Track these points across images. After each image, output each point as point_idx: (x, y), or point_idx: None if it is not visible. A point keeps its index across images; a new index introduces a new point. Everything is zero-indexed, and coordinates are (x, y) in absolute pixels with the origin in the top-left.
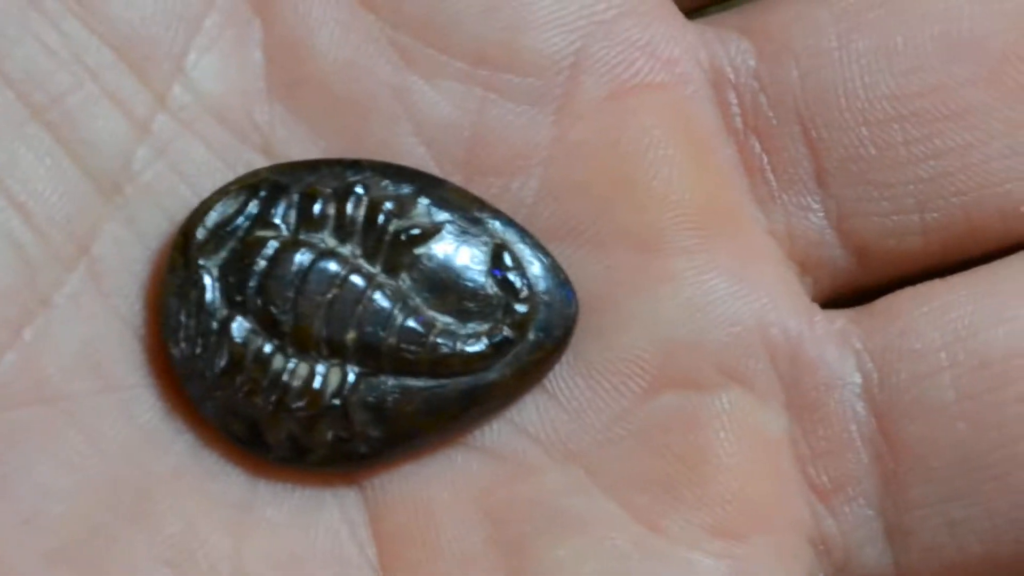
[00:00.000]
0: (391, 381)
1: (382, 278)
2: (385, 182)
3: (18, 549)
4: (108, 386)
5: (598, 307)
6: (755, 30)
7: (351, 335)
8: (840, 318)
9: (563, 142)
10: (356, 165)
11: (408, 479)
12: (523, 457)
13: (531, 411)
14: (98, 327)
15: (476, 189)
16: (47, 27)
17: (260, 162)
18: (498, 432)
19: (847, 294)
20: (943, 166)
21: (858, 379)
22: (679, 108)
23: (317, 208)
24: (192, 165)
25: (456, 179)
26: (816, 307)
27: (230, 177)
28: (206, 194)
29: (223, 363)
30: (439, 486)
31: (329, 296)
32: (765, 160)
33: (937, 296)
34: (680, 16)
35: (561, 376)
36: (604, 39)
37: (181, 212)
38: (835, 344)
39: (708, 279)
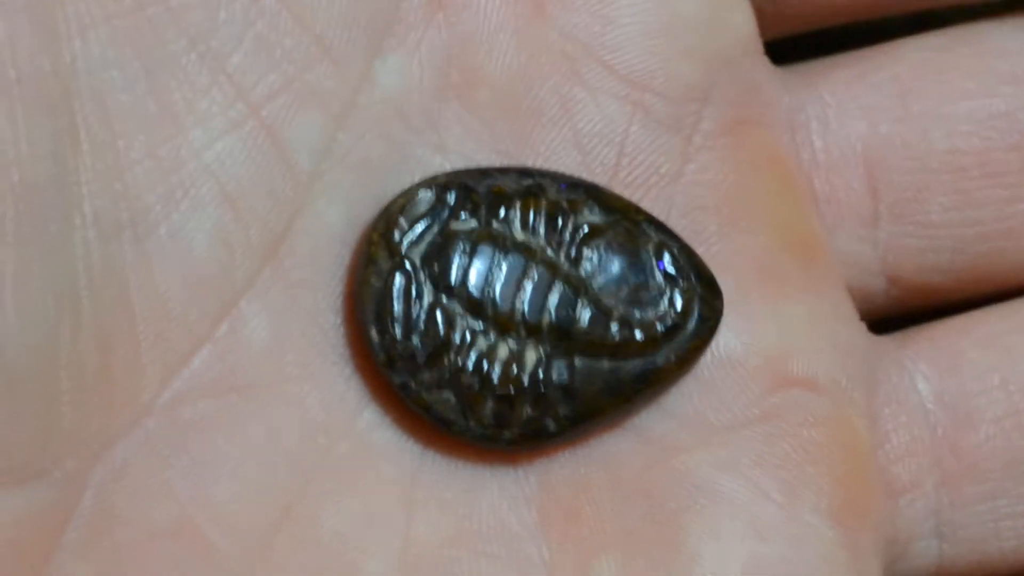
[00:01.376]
0: (579, 362)
1: (566, 268)
2: (556, 186)
3: (219, 529)
4: (290, 375)
5: (731, 311)
6: (819, 84)
7: (545, 318)
8: (891, 342)
9: (692, 166)
10: (526, 171)
11: (565, 461)
12: (671, 438)
13: (679, 395)
14: (284, 319)
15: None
16: (266, 25)
17: (433, 158)
18: (646, 416)
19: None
20: (978, 216)
21: (921, 394)
22: (773, 146)
23: (504, 205)
24: (376, 161)
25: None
26: (875, 338)
27: (406, 172)
28: (385, 188)
29: (431, 344)
30: (595, 467)
31: (524, 283)
32: (830, 196)
33: (980, 325)
34: (768, 62)
35: (704, 364)
36: (728, 75)
37: (362, 206)
38: (897, 364)
39: (813, 300)
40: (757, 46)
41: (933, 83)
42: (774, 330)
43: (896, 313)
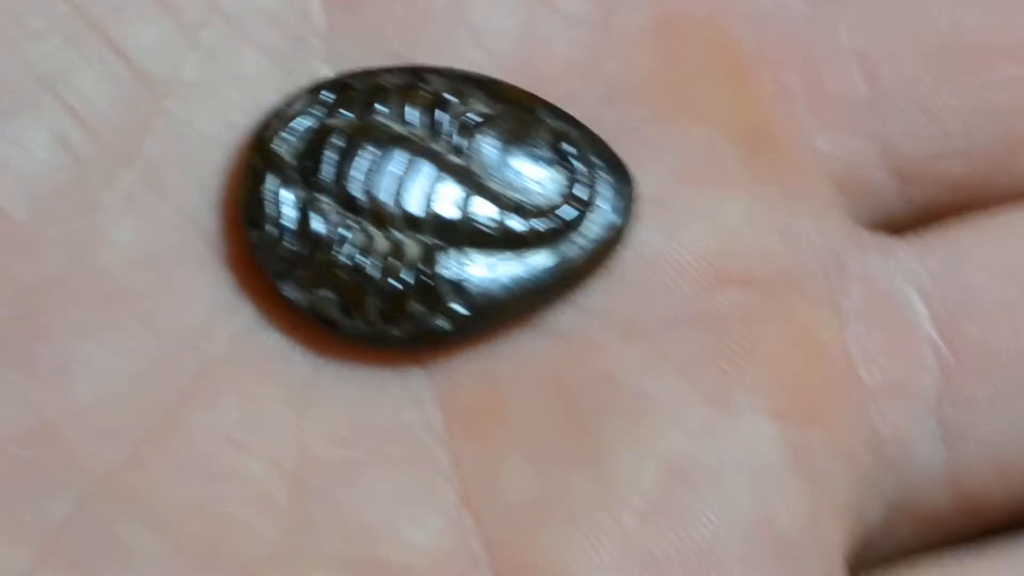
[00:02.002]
0: (471, 254)
1: (450, 158)
2: (444, 79)
3: (81, 431)
4: (166, 278)
5: (659, 203)
6: None
7: (428, 210)
8: (878, 236)
9: (615, 59)
10: (415, 69)
11: (475, 359)
12: (591, 337)
13: (596, 293)
14: (155, 222)
15: (535, 92)
16: None
17: (320, 68)
18: (563, 313)
19: (883, 224)
20: (992, 97)
21: (912, 286)
22: (719, 37)
23: (384, 99)
24: (247, 69)
25: (515, 83)
26: (858, 226)
27: (288, 81)
28: (265, 97)
29: (307, 241)
30: (507, 366)
31: (402, 176)
32: (812, 89)
33: (988, 225)
34: None
35: (625, 261)
36: None
37: (238, 113)
38: (884, 255)
39: (764, 189)
40: None
41: None
42: (708, 226)
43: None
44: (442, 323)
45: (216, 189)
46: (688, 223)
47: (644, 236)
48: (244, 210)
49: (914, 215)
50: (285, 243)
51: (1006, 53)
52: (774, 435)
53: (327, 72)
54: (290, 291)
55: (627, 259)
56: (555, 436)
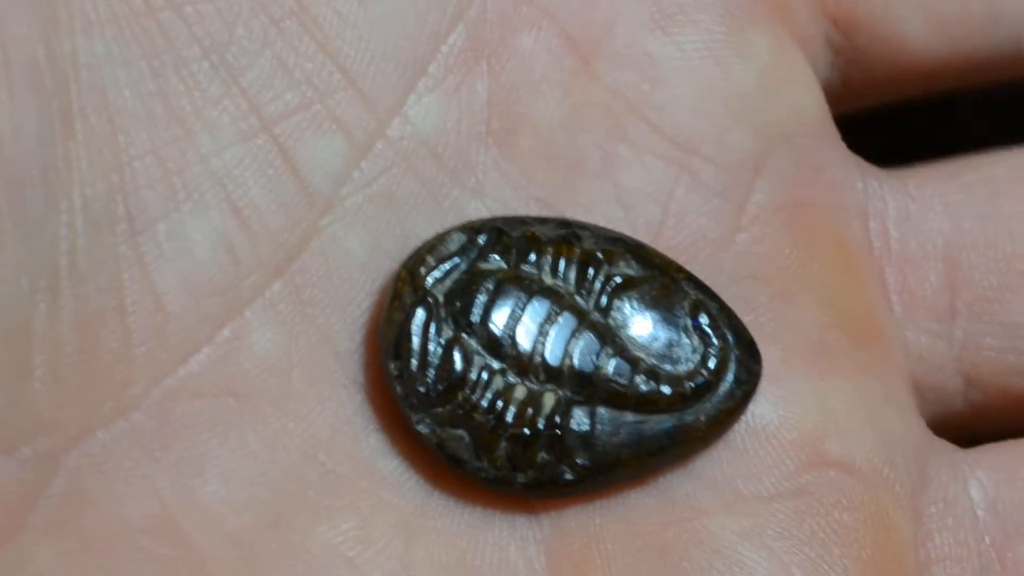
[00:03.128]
0: (601, 411)
1: (594, 316)
2: (594, 237)
3: (203, 530)
4: (298, 390)
5: (772, 379)
6: (907, 180)
7: (567, 363)
8: (949, 445)
9: (744, 235)
10: (567, 223)
11: (580, 509)
12: (694, 500)
13: (704, 459)
14: (294, 334)
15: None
16: (286, 47)
17: (470, 201)
18: (671, 476)
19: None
20: None
21: (973, 499)
22: (837, 228)
23: (535, 249)
24: (402, 195)
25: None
26: (934, 437)
27: (439, 212)
28: (414, 225)
29: (447, 380)
30: (611, 518)
31: (547, 327)
32: (904, 287)
33: None
34: (843, 146)
35: (736, 430)
36: (785, 151)
37: (388, 238)
38: (951, 466)
39: (864, 381)
40: (825, 128)
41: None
42: (815, 407)
43: (981, 428)
44: (567, 475)
45: (358, 311)
46: (796, 402)
47: (755, 409)
48: (389, 340)
49: (970, 416)
50: (426, 378)
51: None
52: None
53: (477, 206)
54: (423, 427)
55: (738, 429)
56: None
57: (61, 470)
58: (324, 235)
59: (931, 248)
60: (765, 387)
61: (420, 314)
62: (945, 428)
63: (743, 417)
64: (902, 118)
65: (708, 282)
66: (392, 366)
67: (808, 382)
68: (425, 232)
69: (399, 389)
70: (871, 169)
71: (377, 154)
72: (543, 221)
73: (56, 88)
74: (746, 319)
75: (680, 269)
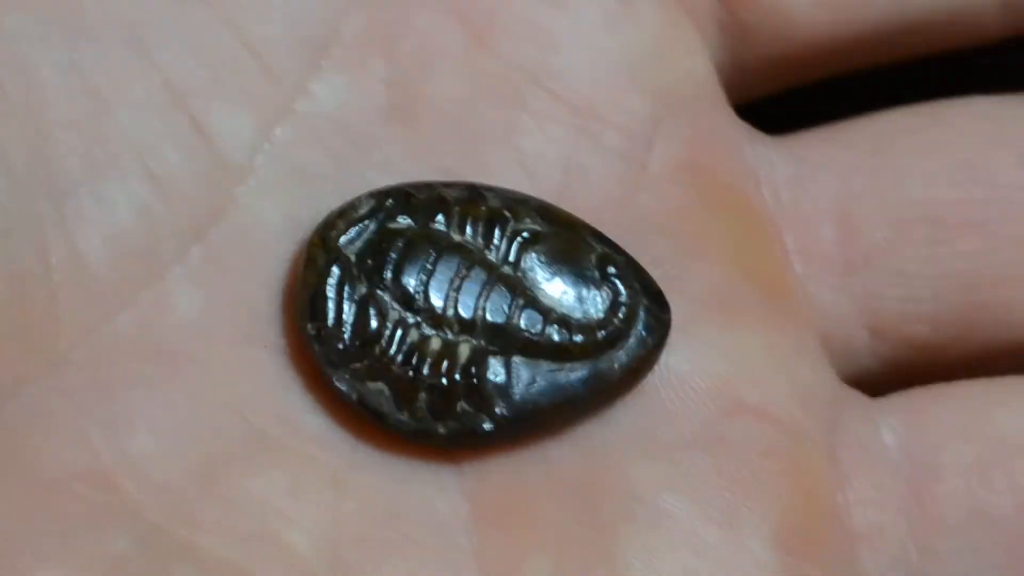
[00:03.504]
0: (516, 360)
1: (504, 269)
2: (500, 198)
3: (136, 481)
4: (221, 351)
5: (683, 331)
6: (792, 143)
7: (480, 315)
8: (860, 395)
9: (648, 194)
10: (473, 186)
11: (503, 461)
12: (615, 451)
13: (622, 410)
14: (214, 298)
15: None
16: (194, 27)
17: (378, 176)
18: (589, 425)
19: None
20: (958, 266)
21: (887, 444)
22: (739, 190)
23: (443, 209)
24: (314, 168)
25: None
26: (846, 387)
27: (347, 185)
28: (325, 196)
29: (363, 335)
30: (533, 468)
31: (458, 281)
32: (802, 246)
33: (953, 389)
34: (732, 113)
35: (650, 382)
36: (680, 114)
37: (301, 208)
38: (864, 414)
39: (776, 333)
40: (715, 93)
41: (911, 140)
42: (728, 356)
43: (891, 379)
44: (486, 424)
45: (274, 276)
46: (710, 352)
47: (669, 360)
48: (304, 301)
49: (879, 371)
50: (343, 335)
51: (972, 227)
52: (775, 565)
53: (385, 180)
54: (342, 384)
55: (652, 381)
56: (575, 539)
57: None
58: (239, 203)
59: (823, 206)
60: (676, 338)
61: (334, 273)
62: (855, 384)
63: (657, 367)
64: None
65: (613, 239)
66: (309, 327)
67: (719, 333)
68: (336, 202)
69: (317, 348)
70: (759, 135)
71: (287, 128)
72: (449, 185)
73: None
74: (654, 273)
75: (585, 225)
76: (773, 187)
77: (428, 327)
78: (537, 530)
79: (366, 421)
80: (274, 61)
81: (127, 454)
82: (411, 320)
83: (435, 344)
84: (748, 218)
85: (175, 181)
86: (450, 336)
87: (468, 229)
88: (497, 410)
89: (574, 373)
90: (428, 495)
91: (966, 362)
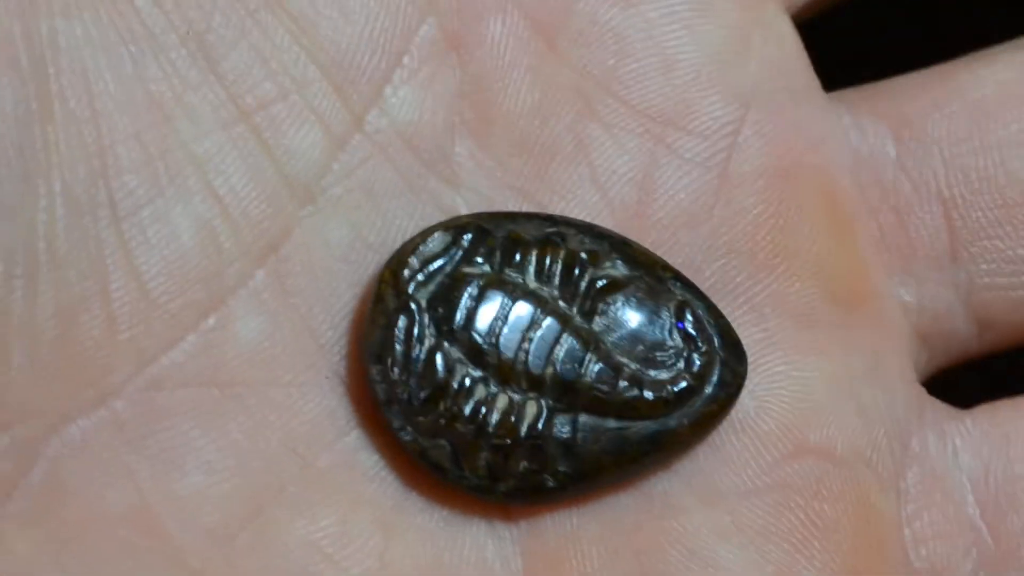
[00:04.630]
0: (583, 418)
1: (578, 321)
2: (580, 236)
3: (181, 522)
4: (279, 379)
5: (752, 371)
6: (892, 115)
7: (549, 371)
8: (941, 409)
9: (725, 206)
10: (552, 219)
11: (558, 516)
12: (671, 498)
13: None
14: (277, 324)
15: (644, 237)
16: (262, 37)
17: (446, 192)
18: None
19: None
20: None
21: (963, 470)
22: (826, 186)
23: (520, 251)
24: (381, 186)
25: (627, 227)
26: (923, 396)
27: (416, 203)
28: (394, 216)
29: (429, 388)
30: (587, 518)
31: (530, 333)
32: (903, 236)
33: None
34: (824, 96)
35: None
36: (764, 111)
37: (368, 229)
38: (940, 434)
39: (850, 357)
40: (804, 79)
41: (1016, 106)
42: (794, 394)
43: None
44: (548, 483)
45: (340, 302)
46: (775, 391)
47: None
48: (371, 343)
49: (988, 350)
50: (408, 385)
51: None
52: None
53: (453, 197)
54: (406, 435)
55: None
56: None
57: (40, 459)
58: (305, 225)
59: (925, 190)
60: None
61: (403, 320)
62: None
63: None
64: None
65: (688, 261)
66: (374, 370)
67: (788, 366)
68: (404, 223)
69: (381, 394)
70: (853, 111)
71: (355, 145)
72: (528, 218)
73: (33, 69)
74: (727, 299)
75: (666, 267)
76: (872, 172)
77: (495, 383)
78: None
79: (424, 471)
80: (343, 76)
81: (174, 494)
82: (478, 375)
83: (501, 402)
84: (833, 220)
85: (240, 201)
86: (517, 394)
87: (544, 274)
88: (560, 468)
89: (641, 431)
90: (480, 544)
91: None
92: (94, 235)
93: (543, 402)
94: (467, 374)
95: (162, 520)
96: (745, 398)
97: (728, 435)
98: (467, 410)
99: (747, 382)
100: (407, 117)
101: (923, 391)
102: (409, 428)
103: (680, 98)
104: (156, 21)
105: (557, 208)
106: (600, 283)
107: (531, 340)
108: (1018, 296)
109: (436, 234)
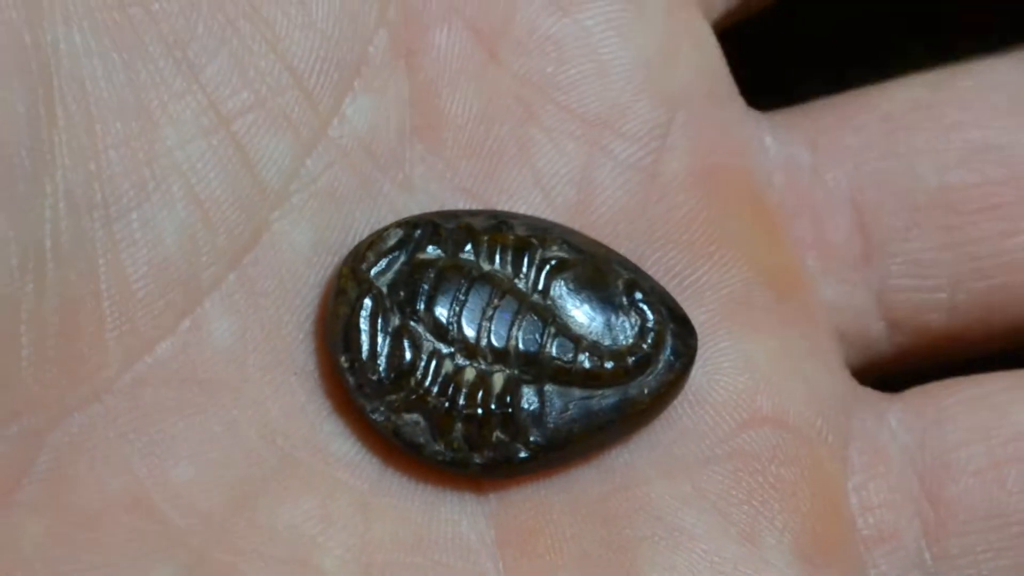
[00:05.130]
0: (549, 388)
1: (534, 298)
2: (526, 225)
3: (178, 508)
4: (252, 377)
5: (700, 347)
6: (806, 126)
7: (512, 344)
8: (874, 393)
9: (659, 202)
10: (496, 214)
11: (526, 489)
12: (633, 469)
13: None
14: (248, 324)
15: (586, 232)
16: (240, 45)
17: (400, 196)
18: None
19: (870, 370)
20: (974, 252)
21: (900, 444)
22: (751, 186)
23: (471, 239)
24: (343, 191)
25: (569, 224)
26: (854, 379)
27: (373, 207)
28: (353, 220)
29: (397, 367)
30: (555, 490)
31: (490, 311)
32: (820, 238)
33: (968, 385)
34: (744, 104)
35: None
36: (690, 115)
37: (330, 232)
38: (877, 413)
39: (790, 335)
40: (725, 87)
41: (924, 118)
42: (743, 366)
43: (909, 368)
44: (521, 453)
45: (304, 302)
46: (724, 364)
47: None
48: (337, 333)
49: (897, 361)
50: (377, 368)
51: (988, 210)
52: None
53: (407, 200)
54: (378, 415)
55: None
56: (597, 561)
57: (45, 448)
58: (274, 229)
59: (838, 196)
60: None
61: (366, 305)
62: (872, 375)
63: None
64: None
65: (629, 252)
66: (343, 359)
67: (734, 342)
68: (361, 226)
69: (351, 380)
70: (771, 121)
71: (320, 151)
72: (474, 214)
73: (40, 75)
74: (669, 285)
75: (610, 251)
76: (789, 177)
77: (462, 358)
78: (561, 553)
79: (400, 451)
80: (313, 83)
81: (169, 482)
82: (445, 351)
83: (469, 374)
84: (761, 217)
85: (217, 206)
86: (484, 366)
87: (497, 258)
88: (532, 438)
89: (605, 400)
90: (455, 520)
91: (985, 350)
92: (90, 235)
93: (510, 371)
94: (434, 350)
95: (161, 506)
96: (696, 373)
97: (683, 408)
98: (437, 384)
99: (697, 361)
100: (365, 124)
101: (855, 382)
102: (382, 408)
103: (614, 102)
104: (146, 30)
105: (503, 208)
106: (551, 263)
107: (491, 318)
108: (922, 298)
109: (390, 230)
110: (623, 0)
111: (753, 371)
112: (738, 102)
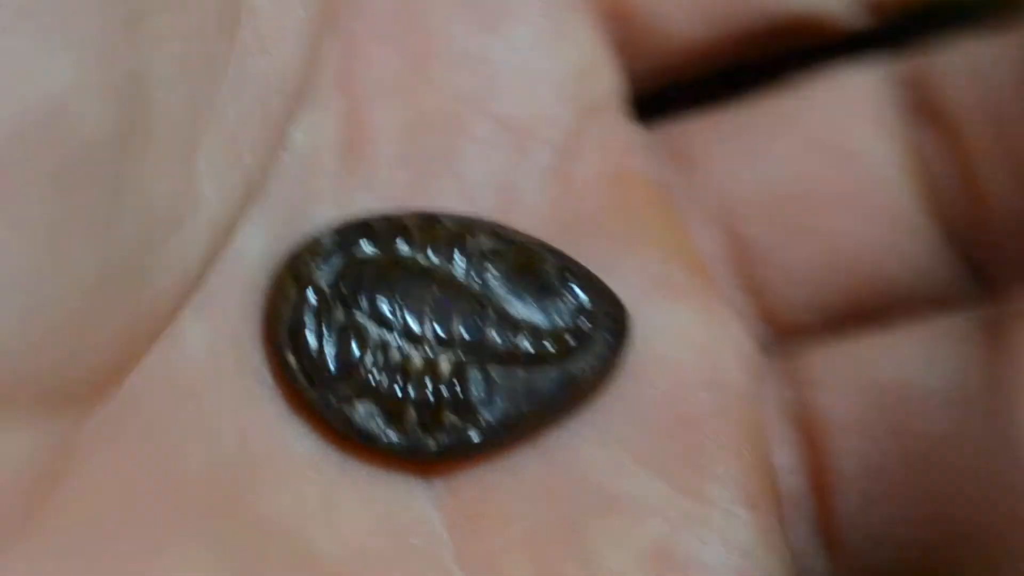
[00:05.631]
0: (494, 370)
1: (472, 287)
2: (454, 219)
3: (189, 498)
4: (220, 387)
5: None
6: (679, 142)
7: (456, 332)
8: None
9: (578, 202)
10: (425, 213)
11: (471, 474)
12: (574, 447)
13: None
14: (214, 333)
15: None
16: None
17: (335, 210)
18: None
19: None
20: (827, 245)
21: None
22: (654, 189)
23: (403, 234)
24: (293, 202)
25: None
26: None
27: (314, 215)
28: (301, 230)
29: (345, 357)
30: (498, 472)
31: (430, 302)
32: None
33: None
34: (635, 123)
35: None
36: (599, 126)
37: (281, 242)
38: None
39: (712, 305)
40: (623, 103)
41: (776, 122)
42: (672, 334)
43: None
44: (474, 435)
45: (259, 312)
46: (656, 336)
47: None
48: (283, 334)
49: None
50: (326, 364)
51: (837, 202)
52: (746, 518)
53: (344, 214)
54: (330, 409)
55: None
56: (547, 535)
57: (75, 450)
58: (237, 238)
59: (711, 209)
60: None
61: (310, 303)
62: None
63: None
64: None
65: (557, 246)
66: (291, 359)
67: (661, 314)
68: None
69: (302, 378)
70: (652, 142)
71: (280, 164)
72: (407, 215)
73: (132, 97)
74: (593, 270)
75: (536, 240)
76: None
77: (408, 347)
78: (510, 530)
79: (356, 443)
80: (270, 98)
81: (172, 481)
82: (392, 342)
83: (417, 361)
84: (667, 215)
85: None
86: (430, 354)
87: (430, 251)
88: (482, 419)
89: (549, 378)
90: (406, 507)
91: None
92: (152, 250)
93: (455, 354)
94: (380, 341)
95: (177, 496)
96: (632, 346)
97: (622, 381)
98: (386, 371)
99: (630, 331)
100: (309, 142)
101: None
102: (333, 400)
103: (537, 112)
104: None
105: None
106: (483, 252)
107: (433, 309)
108: (792, 296)
109: (325, 234)
110: (548, 21)
111: (683, 338)
112: (632, 120)
